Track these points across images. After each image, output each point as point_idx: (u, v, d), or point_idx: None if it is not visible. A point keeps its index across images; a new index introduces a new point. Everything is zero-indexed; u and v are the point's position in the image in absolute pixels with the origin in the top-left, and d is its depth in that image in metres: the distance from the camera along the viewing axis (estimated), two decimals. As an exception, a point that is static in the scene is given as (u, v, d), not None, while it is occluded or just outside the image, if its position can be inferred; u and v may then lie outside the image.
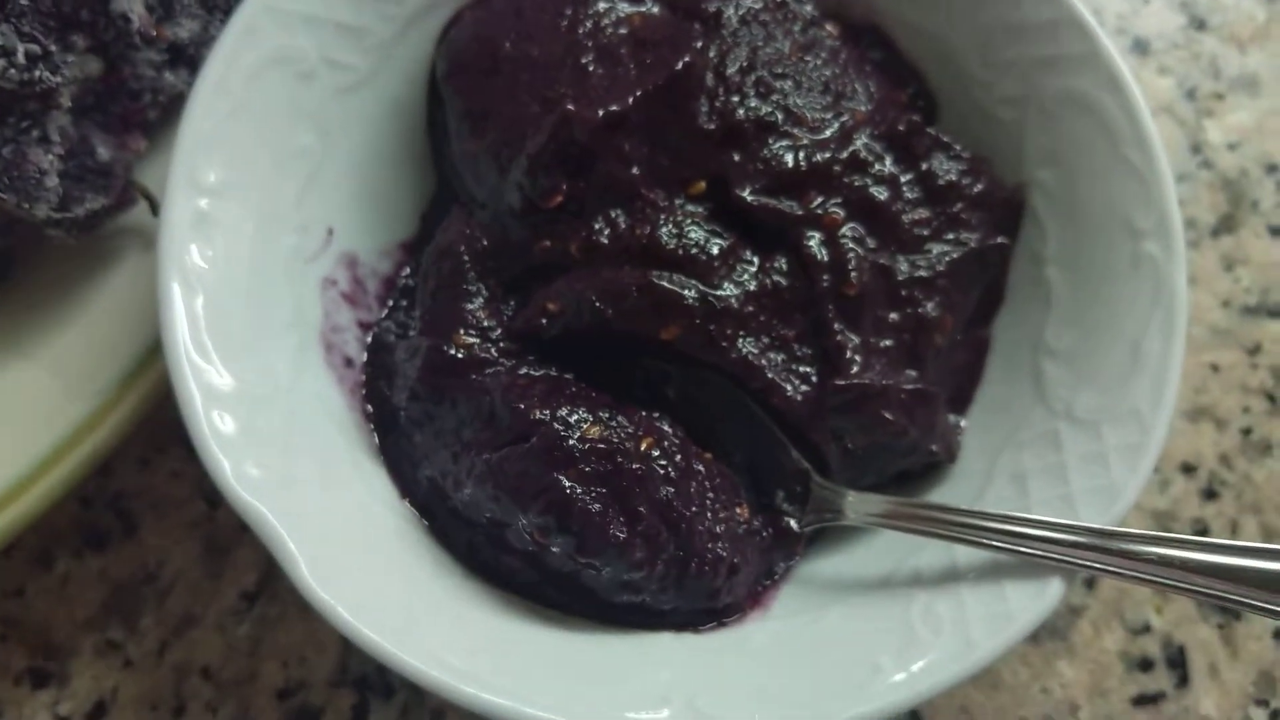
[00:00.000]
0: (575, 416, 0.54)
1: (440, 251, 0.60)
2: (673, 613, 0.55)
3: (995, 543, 0.53)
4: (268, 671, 0.65)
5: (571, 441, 0.53)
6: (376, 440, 0.60)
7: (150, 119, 0.65)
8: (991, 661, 0.50)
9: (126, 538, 0.68)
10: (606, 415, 0.55)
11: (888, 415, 0.57)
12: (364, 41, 0.62)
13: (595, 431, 0.54)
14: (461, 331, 0.58)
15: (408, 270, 0.66)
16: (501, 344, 0.58)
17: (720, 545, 0.54)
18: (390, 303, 0.65)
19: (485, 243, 0.60)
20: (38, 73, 0.57)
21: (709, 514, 0.55)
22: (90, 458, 0.60)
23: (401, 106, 0.66)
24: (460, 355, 0.57)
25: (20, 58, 0.57)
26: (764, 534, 0.58)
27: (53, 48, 0.58)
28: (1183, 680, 0.67)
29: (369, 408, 0.61)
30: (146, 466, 0.69)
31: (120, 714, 0.64)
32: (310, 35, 0.60)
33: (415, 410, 0.58)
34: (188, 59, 0.65)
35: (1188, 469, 0.72)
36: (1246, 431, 0.73)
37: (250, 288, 0.57)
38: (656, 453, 0.54)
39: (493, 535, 0.55)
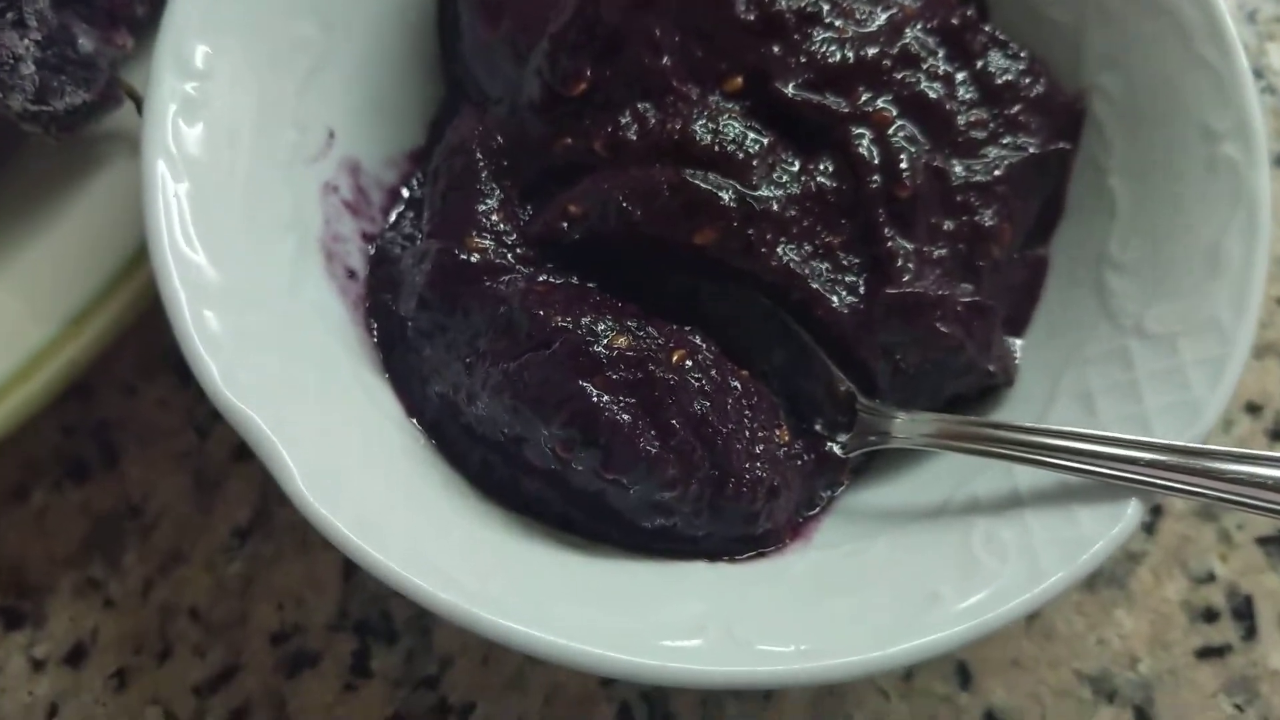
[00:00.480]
0: (601, 325, 0.49)
1: (451, 149, 0.55)
2: (706, 539, 0.50)
3: (1064, 461, 0.48)
4: (261, 614, 0.60)
5: (597, 349, 0.48)
6: (381, 357, 0.55)
7: (138, 15, 0.60)
8: (1067, 589, 0.45)
9: (109, 469, 0.63)
10: (635, 325, 0.50)
11: (943, 328, 0.52)
12: (369, -74, 0.58)
13: (623, 341, 0.49)
14: (474, 234, 0.53)
15: (416, 179, 0.61)
16: (518, 250, 0.53)
17: (759, 466, 0.49)
18: (396, 213, 0.60)
19: (501, 140, 0.55)
20: (12, -50, 0.53)
21: (747, 433, 0.50)
22: (59, 380, 0.55)
23: (411, 4, 0.61)
24: (473, 260, 0.52)
25: (-7, -67, 0.52)
26: (806, 458, 0.53)
27: (29, -76, 0.53)
28: (1250, 632, 0.62)
29: (373, 323, 0.56)
30: (132, 394, 0.64)
31: (101, 657, 0.59)
32: (310, -85, 0.55)
33: (424, 320, 0.53)
34: (179, -49, 0.60)
35: (1253, 408, 0.67)
36: (1315, 370, 0.68)
37: (244, 181, 0.51)
38: (689, 364, 0.49)
39: (511, 453, 0.50)
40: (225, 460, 0.63)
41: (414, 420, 0.53)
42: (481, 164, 0.54)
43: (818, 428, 0.55)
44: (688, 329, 0.52)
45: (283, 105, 0.55)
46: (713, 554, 0.51)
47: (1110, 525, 0.47)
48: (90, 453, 0.63)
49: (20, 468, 0.63)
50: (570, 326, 0.49)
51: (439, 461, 0.52)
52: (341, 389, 0.51)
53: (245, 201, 0.52)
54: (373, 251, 0.58)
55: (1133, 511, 0.47)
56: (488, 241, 0.52)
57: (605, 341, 0.48)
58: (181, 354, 0.46)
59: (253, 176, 0.52)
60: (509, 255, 0.53)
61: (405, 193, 0.61)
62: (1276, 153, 0.74)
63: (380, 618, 0.60)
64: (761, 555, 0.51)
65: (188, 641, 0.60)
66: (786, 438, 0.52)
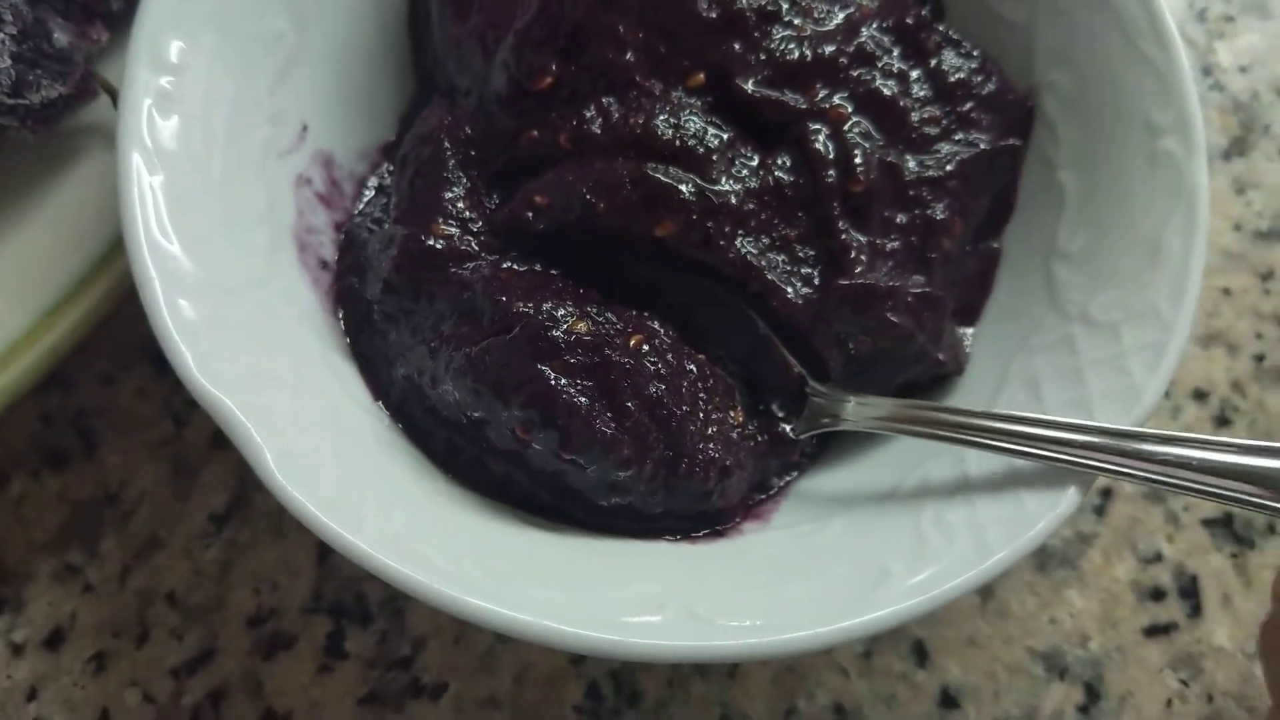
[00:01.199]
0: (561, 311, 0.51)
1: (420, 138, 0.57)
2: (664, 516, 0.52)
3: (1007, 444, 0.50)
4: (237, 598, 0.62)
5: (556, 333, 0.50)
6: (348, 341, 0.57)
7: (113, 9, 0.61)
8: (1011, 565, 0.47)
9: (87, 457, 0.64)
10: (594, 311, 0.52)
11: (893, 318, 0.54)
12: (343, -75, 0.59)
13: (582, 326, 0.51)
14: (440, 221, 0.54)
15: (386, 169, 0.62)
16: (483, 237, 0.55)
17: (712, 446, 0.51)
18: (366, 200, 0.61)
19: (468, 131, 0.56)
20: (-13, -55, 0.54)
21: (701, 414, 0.52)
22: (39, 369, 0.56)
23: (382, 3, 0.62)
24: (438, 246, 0.53)
25: (-33, -72, 0.53)
26: (759, 439, 0.55)
27: (4, -81, 0.54)
28: (1195, 610, 0.65)
29: (340, 309, 0.57)
30: (110, 383, 0.66)
31: (79, 641, 0.60)
32: (283, -86, 0.56)
33: (390, 304, 0.54)
34: (154, -53, 0.61)
35: (1200, 395, 0.70)
36: (1259, 358, 0.71)
37: (218, 174, 0.53)
38: (646, 348, 0.51)
39: (474, 436, 0.52)
40: (202, 448, 0.64)
41: (380, 403, 0.55)
42: (449, 153, 0.55)
43: (773, 409, 0.56)
44: (646, 315, 0.53)
45: (257, 99, 0.56)
46: (671, 531, 0.52)
47: (1052, 506, 0.49)
48: (69, 441, 0.65)
49: (-1, 456, 0.64)
50: (531, 312, 0.51)
51: (407, 444, 0.53)
52: (314, 376, 0.53)
53: (220, 193, 0.53)
54: (342, 238, 0.59)
55: (1073, 493, 0.49)
56: (453, 228, 0.54)
57: (565, 327, 0.50)
58: (158, 343, 0.47)
59: (227, 169, 0.54)
60: (473, 243, 0.54)
61: (375, 181, 0.62)
62: (1224, 147, 0.77)
63: (354, 600, 0.62)
64: (720, 535, 0.53)
65: (165, 625, 0.61)
66: (740, 419, 0.54)
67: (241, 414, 0.47)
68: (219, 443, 0.64)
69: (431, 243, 0.53)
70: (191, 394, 0.47)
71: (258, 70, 0.56)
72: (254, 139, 0.56)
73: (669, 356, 0.51)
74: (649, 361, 0.50)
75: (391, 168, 0.62)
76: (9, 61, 0.55)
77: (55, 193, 0.60)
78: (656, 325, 0.52)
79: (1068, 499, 0.49)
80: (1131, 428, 0.49)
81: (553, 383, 0.48)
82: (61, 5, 0.59)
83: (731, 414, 0.53)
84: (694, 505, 0.52)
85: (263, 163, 0.56)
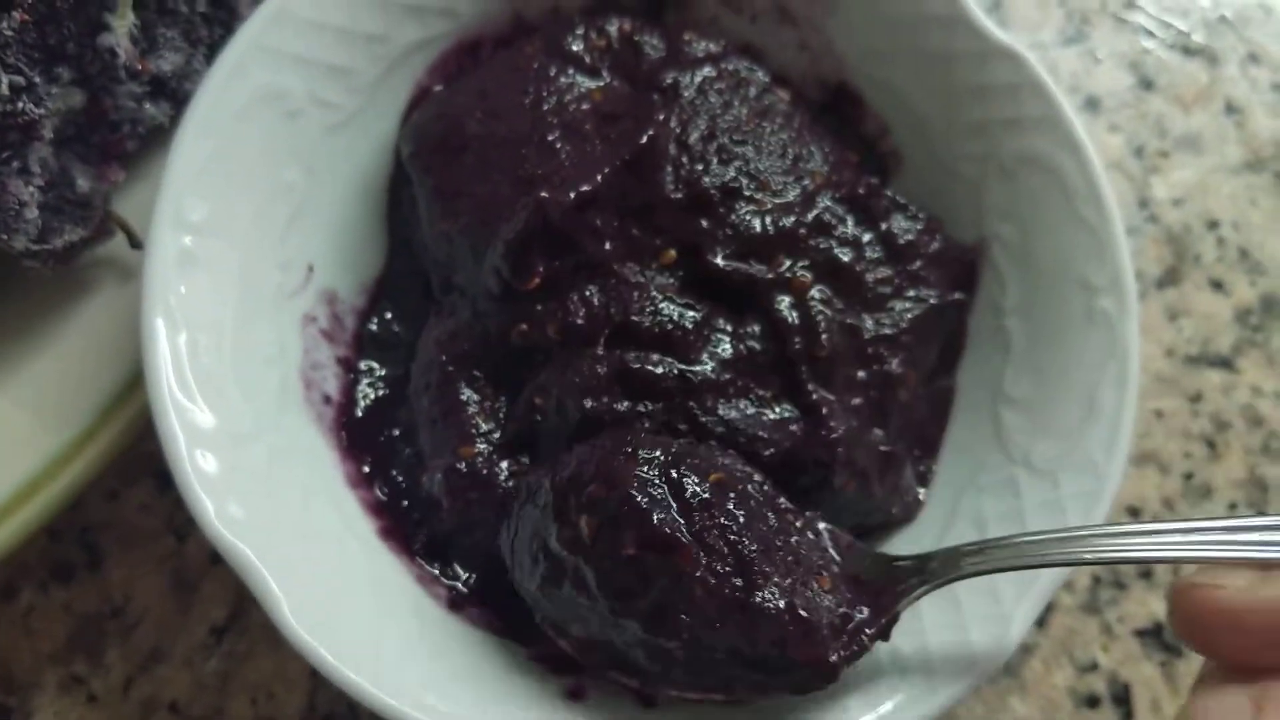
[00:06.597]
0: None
1: (425, 365, 0.61)
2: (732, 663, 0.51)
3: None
4: (236, 707, 0.65)
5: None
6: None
7: (129, 150, 0.65)
8: (957, 701, 0.53)
9: (93, 571, 0.67)
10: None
11: (854, 476, 0.59)
12: (351, 81, 0.63)
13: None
14: (467, 445, 0.58)
15: (376, 319, 0.66)
16: (503, 447, 0.59)
17: (782, 594, 0.50)
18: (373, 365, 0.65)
19: (465, 345, 0.60)
20: (21, 104, 0.57)
21: (777, 560, 0.51)
22: (63, 495, 0.59)
23: (383, 145, 0.67)
24: (476, 466, 0.57)
25: (4, 89, 0.56)
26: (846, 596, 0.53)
27: (37, 80, 0.58)
28: (1127, 716, 0.70)
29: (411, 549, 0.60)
30: (115, 499, 0.69)
31: (83, 750, 0.64)
32: (299, 74, 0.60)
33: (452, 521, 0.58)
34: (169, 92, 0.65)
35: (1133, 511, 0.76)
36: (1188, 476, 0.77)
37: (234, 325, 0.57)
38: (725, 482, 0.52)
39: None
40: (203, 563, 0.68)
41: (387, 541, 0.59)
42: (453, 372, 0.59)
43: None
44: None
45: (270, 247, 0.60)
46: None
47: (997, 645, 0.54)
48: (75, 555, 0.68)
49: (8, 569, 0.67)
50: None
51: (411, 582, 0.58)
52: (320, 516, 0.57)
53: (235, 341, 0.57)
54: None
55: (1016, 631, 0.55)
56: (481, 445, 0.58)
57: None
58: (160, 461, 0.51)
59: (242, 317, 0.58)
60: (500, 455, 0.58)
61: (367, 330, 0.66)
62: (1158, 276, 0.83)
63: (347, 710, 0.66)
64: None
65: (167, 735, 0.64)
66: (829, 585, 0.53)
67: (259, 561, 0.51)
68: (218, 557, 0.67)
69: (464, 466, 0.57)
70: (211, 543, 0.51)
71: (271, 220, 0.60)
72: (266, 284, 0.60)
73: (751, 503, 0.52)
74: (729, 495, 0.51)
75: (382, 309, 0.66)
76: (36, 212, 0.59)
77: (70, 326, 0.63)
78: (751, 470, 0.55)
79: (1011, 637, 0.54)
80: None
81: (632, 489, 0.50)
82: (83, 150, 0.62)
83: (816, 581, 0.52)
84: (763, 650, 0.50)
85: (274, 307, 0.60)
